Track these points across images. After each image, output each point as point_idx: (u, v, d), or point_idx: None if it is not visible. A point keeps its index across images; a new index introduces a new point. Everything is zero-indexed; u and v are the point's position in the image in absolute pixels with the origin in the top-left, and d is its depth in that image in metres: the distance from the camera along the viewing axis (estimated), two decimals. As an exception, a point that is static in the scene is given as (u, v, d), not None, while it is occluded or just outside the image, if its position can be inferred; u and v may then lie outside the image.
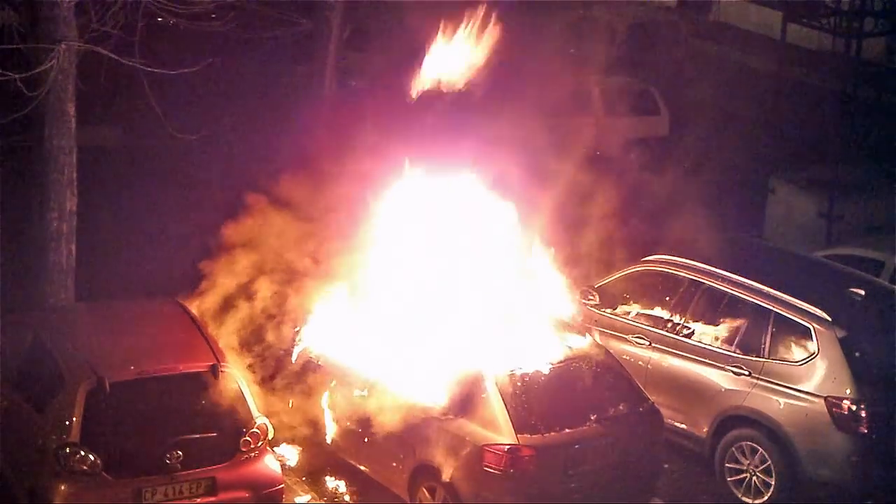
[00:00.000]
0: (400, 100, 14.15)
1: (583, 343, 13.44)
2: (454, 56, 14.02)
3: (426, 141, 13.88)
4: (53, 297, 14.87)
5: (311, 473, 14.07)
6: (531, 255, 14.04)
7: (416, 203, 13.82)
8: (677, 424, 14.46)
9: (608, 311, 15.29)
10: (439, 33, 14.02)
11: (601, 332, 14.88)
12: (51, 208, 14.77)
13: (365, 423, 13.25)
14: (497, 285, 13.60)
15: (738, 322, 14.36)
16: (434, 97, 14.03)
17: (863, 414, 13.41)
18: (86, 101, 15.31)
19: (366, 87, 21.94)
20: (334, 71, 18.30)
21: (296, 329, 13.92)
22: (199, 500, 12.13)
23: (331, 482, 13.95)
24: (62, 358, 12.51)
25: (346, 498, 13.78)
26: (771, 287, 14.23)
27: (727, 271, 14.62)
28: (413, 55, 14.23)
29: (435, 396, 12.87)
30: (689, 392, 14.49)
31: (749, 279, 14.41)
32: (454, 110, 14.13)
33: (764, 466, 13.88)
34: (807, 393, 13.66)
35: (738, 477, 14.09)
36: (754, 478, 13.97)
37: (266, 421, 12.61)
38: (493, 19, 13.99)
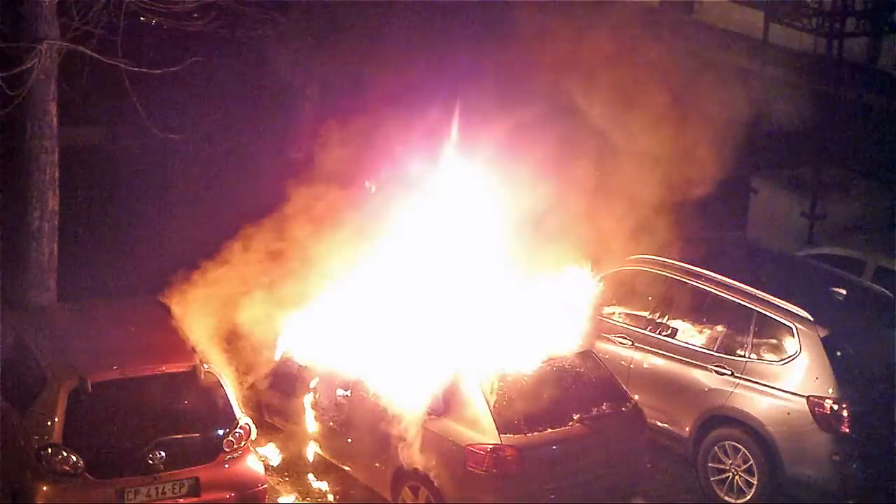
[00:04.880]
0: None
1: (567, 342, 13.44)
2: None
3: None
4: (35, 297, 14.84)
5: (295, 473, 14.06)
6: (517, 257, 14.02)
7: (400, 199, 13.78)
8: (660, 424, 14.48)
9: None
10: None
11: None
12: (33, 207, 14.78)
13: (348, 423, 13.25)
14: (481, 284, 13.59)
15: (720, 322, 14.38)
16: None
17: (844, 413, 13.43)
18: (68, 101, 15.26)
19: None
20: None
21: (279, 329, 13.89)
22: (182, 501, 12.10)
23: (314, 482, 13.94)
24: (44, 358, 12.48)
25: (330, 498, 13.76)
26: (753, 287, 14.26)
27: (710, 271, 14.65)
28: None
29: (418, 396, 12.86)
30: (672, 392, 14.51)
31: (732, 279, 14.44)
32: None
33: (746, 466, 13.91)
34: (789, 392, 13.69)
35: (721, 476, 14.11)
36: (737, 477, 13.99)
37: (249, 421, 12.59)
38: None
